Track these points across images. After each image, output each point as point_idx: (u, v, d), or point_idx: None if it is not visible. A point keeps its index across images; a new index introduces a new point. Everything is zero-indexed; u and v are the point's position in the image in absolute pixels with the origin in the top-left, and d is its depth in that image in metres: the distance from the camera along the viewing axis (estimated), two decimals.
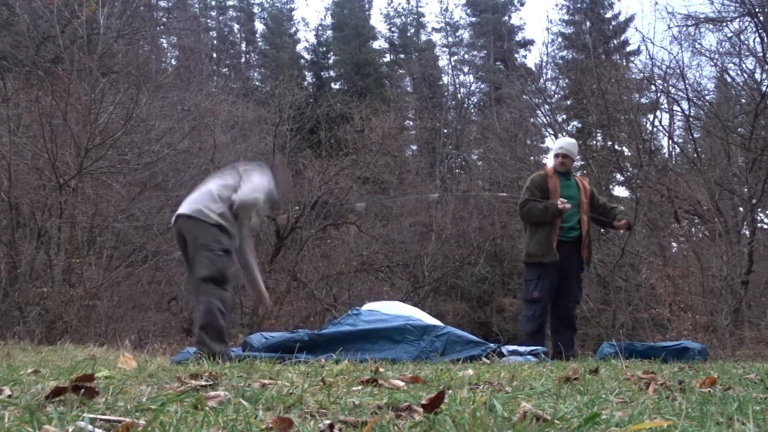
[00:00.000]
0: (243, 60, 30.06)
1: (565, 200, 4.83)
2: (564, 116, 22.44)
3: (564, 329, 4.83)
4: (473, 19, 31.12)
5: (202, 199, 3.80)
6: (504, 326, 18.34)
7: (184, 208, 3.82)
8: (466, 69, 30.19)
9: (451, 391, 1.67)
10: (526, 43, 30.51)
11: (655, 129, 15.09)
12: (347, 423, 1.22)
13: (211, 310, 3.50)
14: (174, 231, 3.97)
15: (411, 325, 4.07)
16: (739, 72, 12.50)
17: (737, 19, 11.46)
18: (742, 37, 11.60)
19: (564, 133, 19.57)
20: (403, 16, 31.82)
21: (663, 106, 14.07)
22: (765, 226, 13.03)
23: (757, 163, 10.75)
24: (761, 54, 11.33)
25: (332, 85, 28.20)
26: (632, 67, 17.86)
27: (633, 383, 2.12)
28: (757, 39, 11.41)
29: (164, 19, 20.92)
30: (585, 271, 5.19)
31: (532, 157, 18.63)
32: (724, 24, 11.73)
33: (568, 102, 22.85)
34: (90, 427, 1.10)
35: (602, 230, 10.27)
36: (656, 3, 26.64)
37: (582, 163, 19.83)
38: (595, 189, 5.43)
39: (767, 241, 12.10)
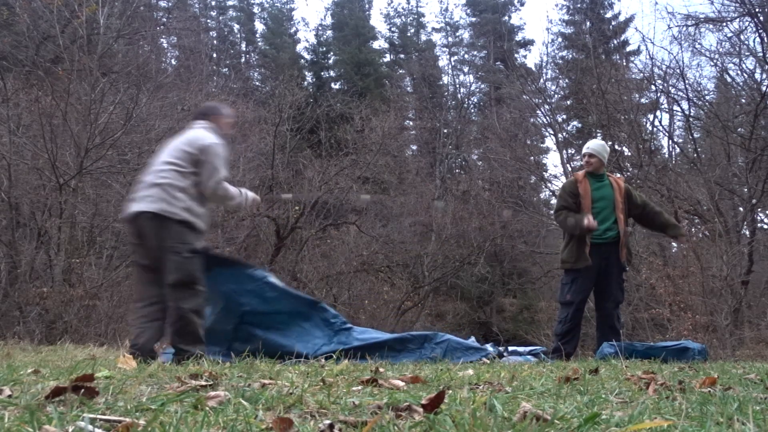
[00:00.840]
0: (243, 60, 30.06)
1: (593, 217, 4.82)
2: (564, 116, 22.44)
3: (607, 331, 4.84)
4: (473, 19, 31.15)
5: (162, 194, 3.53)
6: (504, 326, 18.36)
7: (143, 205, 3.55)
8: (466, 69, 30.22)
9: (451, 391, 1.67)
10: (526, 43, 30.55)
11: (655, 129, 15.12)
12: (347, 423, 1.22)
13: (183, 315, 3.41)
14: (129, 227, 3.68)
15: (410, 334, 4.12)
16: (739, 72, 12.53)
17: (737, 19, 11.49)
18: (742, 37, 11.62)
19: (565, 134, 19.58)
20: (403, 16, 31.85)
21: (663, 106, 14.10)
22: (765, 226, 13.04)
23: (757, 163, 10.76)
24: (761, 54, 11.35)
25: (332, 85, 28.22)
26: (632, 67, 17.89)
27: (633, 383, 2.12)
28: (757, 39, 11.44)
29: (164, 19, 20.90)
30: (626, 270, 5.15)
31: (532, 157, 18.65)
32: (724, 24, 11.75)
33: (568, 102, 22.86)
34: (90, 427, 1.10)
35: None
36: (656, 3, 26.71)
37: (582, 162, 19.85)
38: (633, 188, 5.42)
39: (767, 241, 12.10)
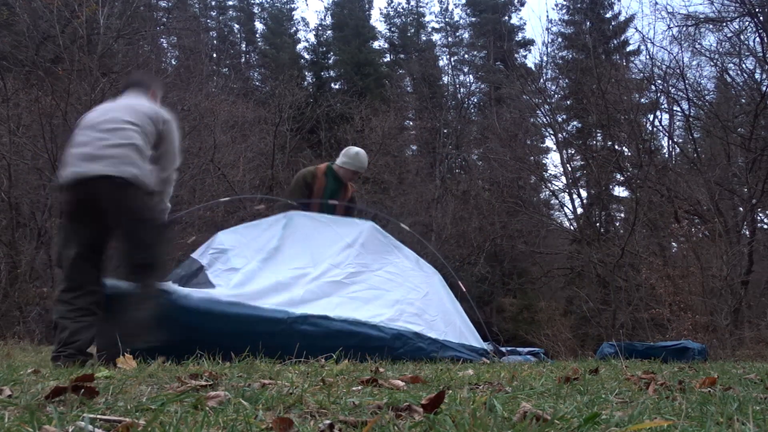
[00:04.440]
0: (243, 60, 30.04)
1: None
2: (564, 116, 22.44)
3: None
4: (473, 19, 31.11)
5: (131, 156, 2.86)
6: (504, 326, 18.34)
7: (107, 168, 2.79)
8: (466, 69, 30.18)
9: (451, 391, 1.67)
10: (526, 43, 30.48)
11: (655, 129, 15.12)
12: (347, 423, 1.22)
13: (152, 298, 2.82)
14: (75, 193, 2.88)
15: (383, 328, 3.69)
16: (739, 72, 12.55)
17: (737, 19, 11.51)
18: (742, 37, 11.64)
19: (565, 134, 19.56)
20: (403, 16, 31.81)
21: (663, 106, 14.12)
22: (765, 226, 13.04)
23: (757, 163, 10.77)
24: (761, 54, 11.36)
25: (332, 85, 28.19)
26: (632, 67, 17.87)
27: (633, 383, 2.12)
28: (757, 39, 11.46)
29: (164, 19, 20.91)
30: None
31: (532, 157, 18.65)
32: (724, 24, 11.77)
33: (568, 102, 22.84)
34: (90, 427, 1.10)
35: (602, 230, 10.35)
36: (656, 3, 26.67)
37: (582, 163, 19.86)
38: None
39: (767, 241, 12.10)
